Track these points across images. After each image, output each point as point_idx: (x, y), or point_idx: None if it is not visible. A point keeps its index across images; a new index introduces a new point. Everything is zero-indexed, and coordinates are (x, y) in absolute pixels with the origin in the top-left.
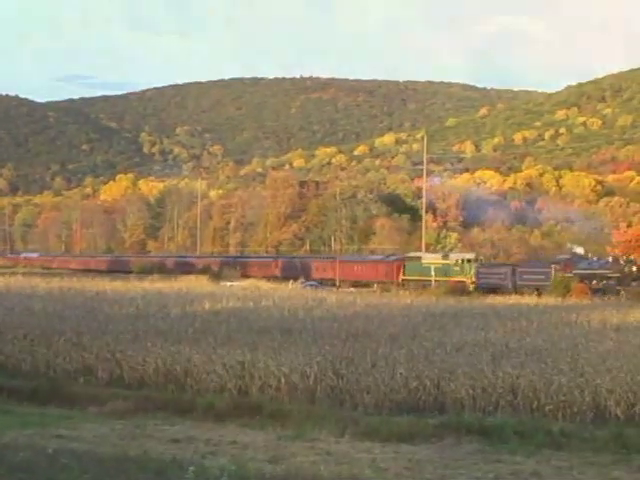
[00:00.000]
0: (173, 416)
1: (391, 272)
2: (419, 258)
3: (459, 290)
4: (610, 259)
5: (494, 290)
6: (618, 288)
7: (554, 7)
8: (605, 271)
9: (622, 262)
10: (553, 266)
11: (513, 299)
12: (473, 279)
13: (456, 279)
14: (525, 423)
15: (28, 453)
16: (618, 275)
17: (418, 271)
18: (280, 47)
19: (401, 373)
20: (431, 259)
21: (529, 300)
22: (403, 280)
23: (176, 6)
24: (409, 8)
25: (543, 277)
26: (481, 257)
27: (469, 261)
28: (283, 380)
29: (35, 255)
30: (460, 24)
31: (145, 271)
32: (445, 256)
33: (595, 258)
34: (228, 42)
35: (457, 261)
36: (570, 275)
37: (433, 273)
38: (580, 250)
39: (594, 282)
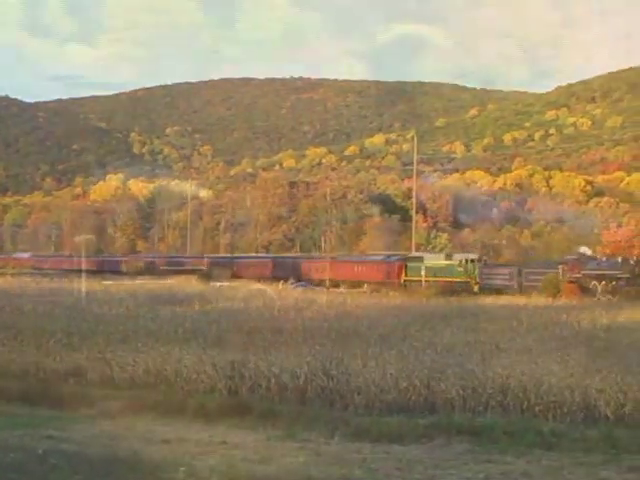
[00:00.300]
0: (163, 417)
1: (393, 273)
2: (421, 258)
3: (463, 291)
4: (620, 259)
5: (499, 291)
6: (628, 289)
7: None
8: (615, 271)
9: (632, 262)
10: (560, 266)
11: (504, 299)
12: (477, 280)
13: (460, 280)
14: (515, 423)
15: (18, 454)
16: (628, 276)
17: (421, 272)
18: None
19: (391, 373)
20: (434, 259)
21: (519, 300)
22: (405, 281)
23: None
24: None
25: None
26: (485, 257)
27: (473, 261)
28: (273, 380)
29: (26, 255)
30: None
31: (136, 271)
32: (448, 256)
33: (604, 258)
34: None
35: (461, 261)
36: (579, 275)
37: (433, 273)
38: (587, 250)
39: (603, 283)
